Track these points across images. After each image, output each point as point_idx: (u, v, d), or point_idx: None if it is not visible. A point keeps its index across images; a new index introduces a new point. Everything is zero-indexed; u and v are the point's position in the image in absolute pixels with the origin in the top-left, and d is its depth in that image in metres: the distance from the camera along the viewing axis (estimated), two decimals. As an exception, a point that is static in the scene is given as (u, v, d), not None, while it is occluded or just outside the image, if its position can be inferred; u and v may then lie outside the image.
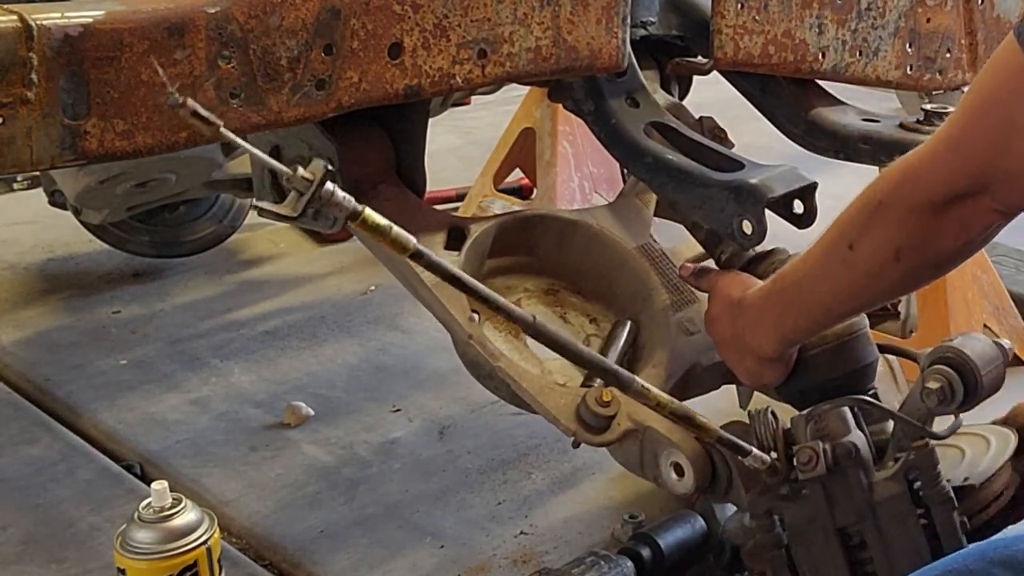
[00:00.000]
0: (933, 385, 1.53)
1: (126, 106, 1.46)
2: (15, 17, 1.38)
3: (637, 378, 1.42)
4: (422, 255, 1.26)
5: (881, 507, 1.51)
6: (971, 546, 1.38)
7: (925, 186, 1.30)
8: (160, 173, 2.69)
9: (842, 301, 1.50)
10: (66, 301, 3.30)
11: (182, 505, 1.77)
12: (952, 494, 1.50)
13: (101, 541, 2.17)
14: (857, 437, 1.53)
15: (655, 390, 1.42)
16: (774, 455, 1.52)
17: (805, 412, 1.56)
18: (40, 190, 3.28)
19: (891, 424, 1.58)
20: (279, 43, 1.55)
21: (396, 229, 1.24)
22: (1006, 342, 1.61)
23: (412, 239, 1.25)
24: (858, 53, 2.15)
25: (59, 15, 1.41)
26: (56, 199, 3.07)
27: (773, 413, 1.56)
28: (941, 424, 1.58)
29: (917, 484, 1.51)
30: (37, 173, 3.20)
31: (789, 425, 1.57)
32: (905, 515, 1.50)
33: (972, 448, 1.71)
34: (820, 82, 2.22)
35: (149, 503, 1.77)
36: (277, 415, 2.67)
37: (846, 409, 1.55)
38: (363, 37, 1.62)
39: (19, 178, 3.89)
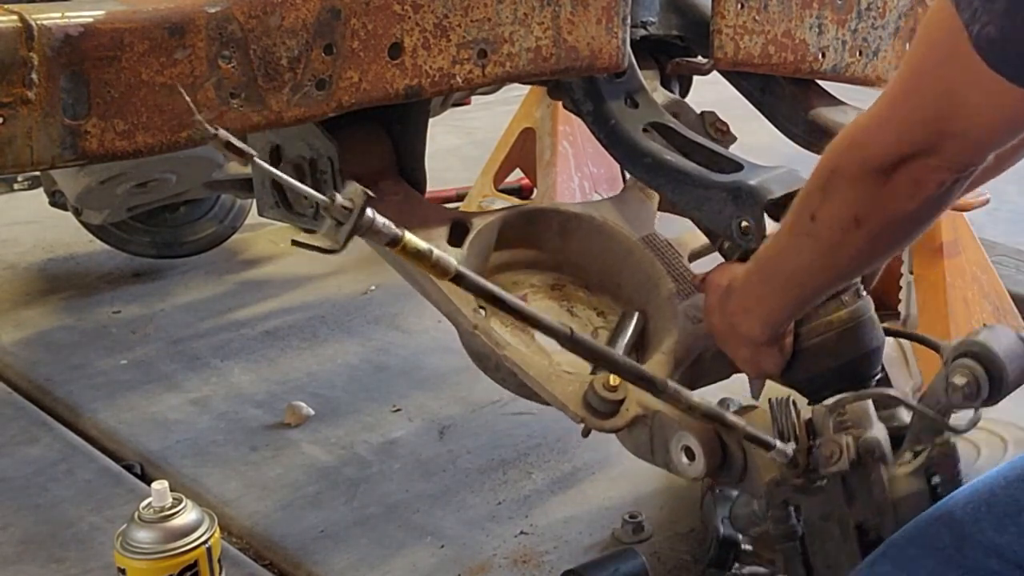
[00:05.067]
0: (959, 380, 1.50)
1: (126, 106, 1.46)
2: (15, 17, 1.38)
3: (671, 382, 1.42)
4: (464, 277, 1.27)
5: (901, 504, 1.48)
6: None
7: (871, 151, 1.30)
8: (160, 173, 2.69)
9: (814, 275, 1.48)
10: (66, 301, 3.30)
11: (182, 505, 1.77)
12: None
13: (101, 541, 2.17)
14: (880, 431, 1.50)
15: (686, 392, 1.42)
16: (794, 446, 1.49)
17: (828, 403, 1.53)
18: (40, 190, 3.28)
19: (904, 411, 1.57)
20: (279, 43, 1.55)
21: (437, 253, 1.24)
22: None
23: (453, 262, 1.25)
24: (858, 53, 2.15)
25: (59, 15, 1.41)
26: (57, 199, 3.07)
27: (794, 403, 1.53)
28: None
29: (936, 480, 1.48)
30: (37, 173, 3.20)
31: (810, 415, 1.54)
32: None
33: (988, 446, 1.69)
34: (820, 82, 2.22)
35: (149, 503, 1.77)
36: (277, 415, 2.67)
37: (870, 405, 1.53)
38: (363, 37, 1.62)
39: (19, 178, 3.88)
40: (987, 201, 2.75)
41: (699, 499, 2.23)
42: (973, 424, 1.58)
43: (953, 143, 1.24)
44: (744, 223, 1.73)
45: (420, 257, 1.23)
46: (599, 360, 1.45)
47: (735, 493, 2.15)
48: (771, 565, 2.09)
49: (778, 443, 1.49)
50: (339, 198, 1.18)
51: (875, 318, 1.70)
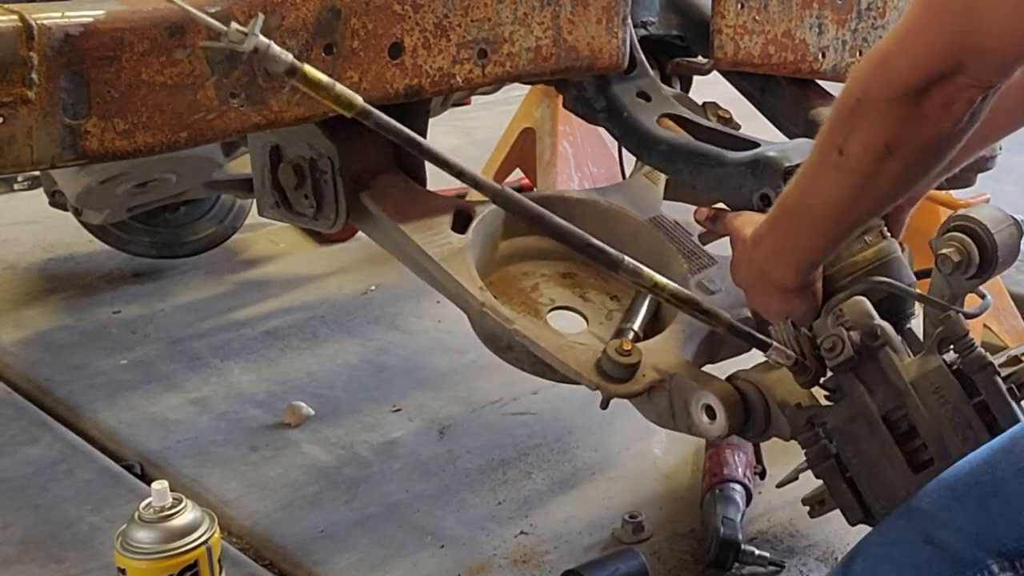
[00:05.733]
0: (947, 251, 1.49)
1: (126, 106, 1.46)
2: (15, 17, 1.38)
3: (627, 258, 1.39)
4: (369, 114, 1.20)
5: (920, 383, 1.44)
6: None
7: (898, 75, 1.28)
8: (160, 173, 2.69)
9: (848, 209, 1.43)
10: (66, 301, 3.30)
11: (182, 505, 1.77)
12: (990, 358, 1.43)
13: (101, 541, 2.16)
14: (882, 322, 1.48)
15: (648, 271, 1.39)
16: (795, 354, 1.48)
17: (826, 306, 1.52)
18: (40, 190, 3.28)
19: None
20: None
21: (339, 87, 1.17)
22: (1020, 216, 1.59)
23: (358, 97, 1.19)
24: (858, 53, 2.15)
25: (60, 15, 1.41)
26: (57, 199, 3.07)
27: (792, 323, 1.52)
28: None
29: (952, 357, 1.45)
30: (37, 173, 3.20)
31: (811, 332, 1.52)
32: (947, 388, 1.43)
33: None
34: (820, 82, 2.22)
35: (149, 503, 1.77)
36: (277, 415, 2.67)
37: (865, 301, 1.51)
38: (363, 37, 1.62)
39: (19, 178, 3.89)
40: (987, 201, 2.76)
41: (699, 499, 2.23)
42: (982, 310, 1.56)
43: (981, 59, 1.23)
44: (765, 194, 1.72)
45: (321, 88, 1.17)
46: (520, 213, 1.39)
47: (735, 494, 2.16)
48: (773, 566, 2.09)
49: (775, 343, 1.47)
50: (235, 25, 1.14)
51: (902, 258, 1.66)
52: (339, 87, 1.17)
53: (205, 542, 1.77)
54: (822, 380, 1.53)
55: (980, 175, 2.08)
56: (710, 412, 1.61)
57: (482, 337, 1.85)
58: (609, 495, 2.35)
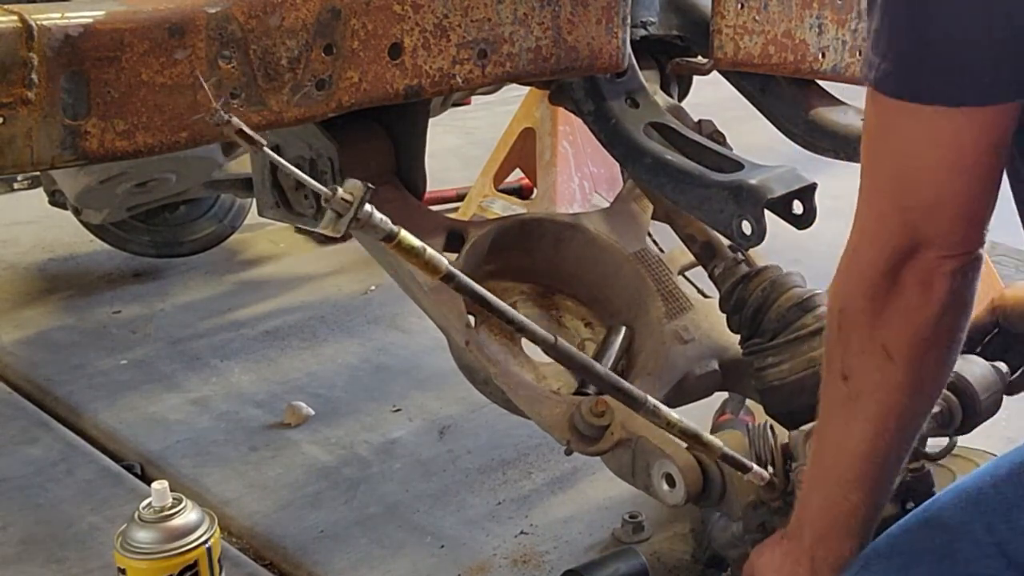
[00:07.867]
0: (933, 409, 1.51)
1: (126, 106, 1.46)
2: (15, 17, 1.38)
3: (650, 398, 1.42)
4: (454, 277, 1.28)
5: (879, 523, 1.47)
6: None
7: (867, 265, 1.21)
8: (160, 173, 2.69)
9: (874, 444, 1.29)
10: (66, 301, 3.30)
11: (182, 505, 1.78)
12: None
13: (101, 541, 2.17)
14: None
15: (665, 409, 1.42)
16: (771, 470, 1.51)
17: (805, 429, 1.54)
18: (40, 190, 3.28)
19: None
20: (279, 43, 1.55)
21: (430, 252, 1.26)
22: (1003, 365, 1.60)
23: (444, 261, 1.27)
24: (858, 53, 2.15)
25: (59, 15, 1.41)
26: (56, 199, 3.07)
27: (772, 428, 1.55)
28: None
29: (910, 506, 1.49)
30: (37, 173, 3.20)
31: (787, 440, 1.56)
32: None
33: (963, 473, 1.70)
34: (820, 82, 2.22)
35: (149, 503, 1.77)
36: (277, 415, 2.67)
37: None
38: (363, 37, 1.62)
39: (19, 178, 3.89)
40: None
41: (699, 499, 2.23)
42: (947, 451, 1.59)
43: (935, 220, 1.17)
44: (745, 223, 1.73)
45: (413, 254, 1.25)
46: (580, 370, 1.45)
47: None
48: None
49: (755, 466, 1.49)
50: (340, 191, 1.21)
51: None
52: (429, 251, 1.26)
53: (205, 542, 1.77)
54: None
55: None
56: (670, 480, 1.65)
57: (459, 365, 1.88)
58: (609, 495, 2.35)
